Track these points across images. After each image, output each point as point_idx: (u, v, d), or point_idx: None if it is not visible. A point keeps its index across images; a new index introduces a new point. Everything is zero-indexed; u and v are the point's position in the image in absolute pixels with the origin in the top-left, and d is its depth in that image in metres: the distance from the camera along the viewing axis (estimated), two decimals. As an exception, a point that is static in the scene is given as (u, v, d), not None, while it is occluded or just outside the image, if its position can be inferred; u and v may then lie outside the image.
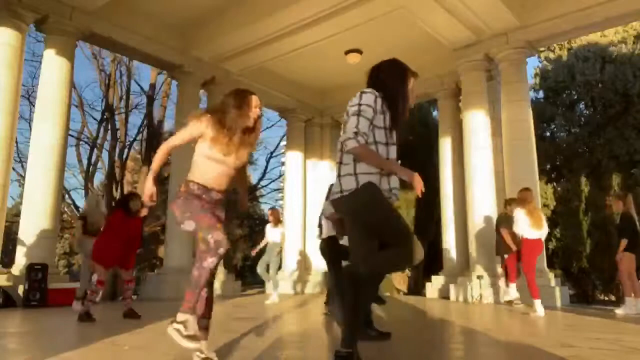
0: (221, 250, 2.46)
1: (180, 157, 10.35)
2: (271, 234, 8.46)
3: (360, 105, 2.49)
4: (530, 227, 6.22)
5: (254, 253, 9.00)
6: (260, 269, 8.46)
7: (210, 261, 2.44)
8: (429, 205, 13.06)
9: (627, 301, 6.64)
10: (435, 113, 15.13)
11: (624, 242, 6.63)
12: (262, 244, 8.59)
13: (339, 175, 2.56)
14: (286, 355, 3.21)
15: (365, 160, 2.44)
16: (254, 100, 2.72)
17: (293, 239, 12.41)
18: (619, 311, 6.63)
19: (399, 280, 14.85)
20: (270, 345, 3.51)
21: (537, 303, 6.07)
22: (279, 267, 9.24)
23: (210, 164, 2.63)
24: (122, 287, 5.80)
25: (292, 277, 12.13)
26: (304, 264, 12.49)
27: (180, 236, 9.91)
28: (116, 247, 5.33)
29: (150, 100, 17.54)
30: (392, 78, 2.63)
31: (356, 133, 2.41)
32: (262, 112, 2.89)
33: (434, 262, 11.72)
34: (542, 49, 12.22)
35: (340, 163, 2.57)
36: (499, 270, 8.22)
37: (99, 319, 5.17)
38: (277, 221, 8.61)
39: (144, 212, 5.66)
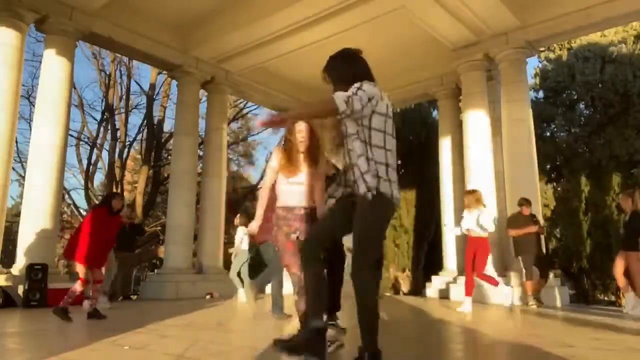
0: (294, 279, 3.14)
1: (180, 158, 10.35)
2: (238, 236, 8.31)
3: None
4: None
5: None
6: (232, 273, 8.27)
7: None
8: (429, 205, 13.05)
9: None
10: (435, 113, 15.11)
11: None
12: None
13: None
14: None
15: None
16: (297, 126, 3.29)
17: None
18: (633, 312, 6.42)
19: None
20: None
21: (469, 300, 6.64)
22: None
23: (284, 188, 3.24)
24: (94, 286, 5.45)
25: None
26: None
27: (181, 237, 9.90)
28: (97, 245, 5.27)
29: (150, 100, 17.55)
30: None
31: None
32: (307, 128, 3.31)
33: (434, 262, 11.71)
34: (542, 49, 12.19)
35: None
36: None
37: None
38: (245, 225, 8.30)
39: (124, 212, 5.86)
